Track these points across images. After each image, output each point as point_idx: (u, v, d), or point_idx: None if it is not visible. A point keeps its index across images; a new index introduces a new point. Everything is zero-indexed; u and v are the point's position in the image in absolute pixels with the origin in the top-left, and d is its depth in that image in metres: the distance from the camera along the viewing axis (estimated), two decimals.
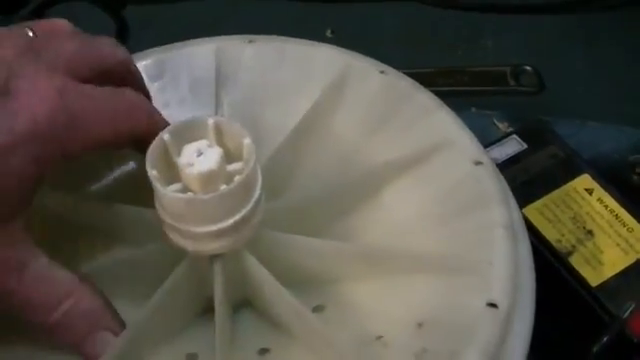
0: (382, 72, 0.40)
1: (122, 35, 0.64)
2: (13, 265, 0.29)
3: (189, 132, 0.31)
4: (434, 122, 0.37)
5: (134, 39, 0.63)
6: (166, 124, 0.32)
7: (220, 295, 0.32)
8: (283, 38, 0.42)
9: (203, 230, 0.30)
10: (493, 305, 0.31)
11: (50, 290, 0.30)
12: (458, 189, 0.35)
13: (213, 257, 0.32)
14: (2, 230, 0.29)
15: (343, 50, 0.41)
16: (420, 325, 0.31)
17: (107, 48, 0.33)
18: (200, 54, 0.42)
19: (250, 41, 0.42)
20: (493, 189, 0.34)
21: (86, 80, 0.30)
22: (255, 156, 0.30)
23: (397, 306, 0.33)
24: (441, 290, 0.32)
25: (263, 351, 0.33)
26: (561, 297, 0.41)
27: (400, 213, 0.36)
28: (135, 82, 0.34)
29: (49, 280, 0.30)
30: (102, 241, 0.37)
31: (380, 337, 0.32)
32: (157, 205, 0.31)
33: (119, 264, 0.35)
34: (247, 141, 0.30)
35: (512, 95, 0.57)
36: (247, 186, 0.30)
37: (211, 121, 0.31)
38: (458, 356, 0.29)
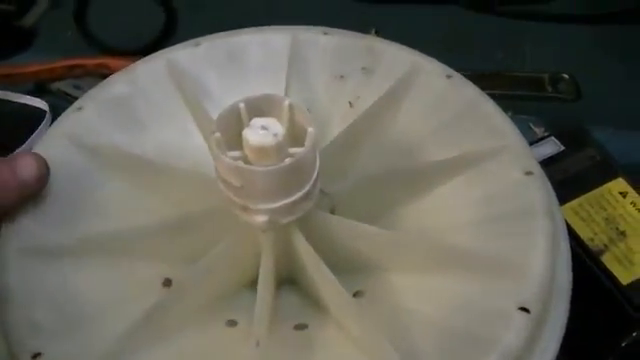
0: (449, 76, 0.41)
1: (170, 22, 0.65)
2: None
3: (262, 106, 0.32)
4: (492, 129, 0.38)
5: (183, 25, 0.65)
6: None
7: (266, 266, 0.33)
8: (354, 33, 0.44)
9: (254, 205, 0.32)
10: (525, 310, 0.31)
11: None
12: (506, 195, 0.36)
13: (264, 229, 0.33)
14: None
15: (413, 51, 0.43)
16: (451, 320, 0.32)
17: None
18: (276, 40, 0.43)
19: (325, 33, 0.43)
20: (541, 200, 0.35)
21: None
22: (314, 144, 0.31)
23: (432, 300, 0.34)
24: (476, 289, 0.33)
25: (300, 326, 0.34)
26: (592, 293, 0.42)
27: (447, 211, 0.37)
28: None
29: None
30: (154, 200, 0.38)
31: (409, 328, 0.33)
32: (215, 170, 0.32)
33: (171, 224, 0.36)
34: (311, 130, 0.31)
35: (549, 101, 0.59)
36: (300, 170, 0.32)
37: (286, 102, 0.32)
38: (481, 356, 0.30)
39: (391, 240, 0.35)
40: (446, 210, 0.37)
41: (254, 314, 0.32)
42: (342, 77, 0.42)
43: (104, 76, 0.57)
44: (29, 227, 0.34)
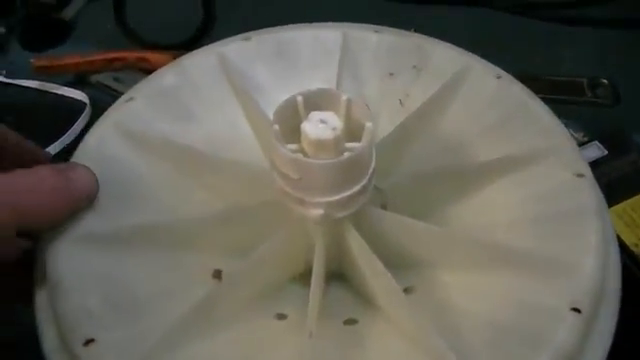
0: (498, 76, 0.41)
1: (208, 17, 0.65)
2: None
3: (320, 101, 0.32)
4: (542, 130, 0.38)
5: (221, 20, 0.65)
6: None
7: (319, 260, 0.33)
8: (406, 32, 0.44)
9: (310, 198, 0.32)
10: (577, 310, 0.31)
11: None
12: (557, 197, 0.36)
13: (318, 223, 0.33)
14: None
15: (463, 51, 0.43)
16: (502, 318, 0.32)
17: None
18: (327, 36, 0.43)
19: (376, 31, 0.44)
20: (592, 201, 0.35)
21: None
22: (372, 139, 0.32)
23: (482, 297, 0.34)
24: (527, 288, 0.33)
25: (350, 321, 0.35)
26: (636, 299, 0.42)
27: (497, 210, 0.37)
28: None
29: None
30: (204, 192, 0.38)
31: (459, 325, 0.33)
32: (271, 162, 0.32)
33: (222, 216, 0.36)
34: (369, 125, 0.31)
35: (587, 106, 0.59)
36: (358, 164, 0.32)
37: (345, 97, 0.32)
38: (532, 355, 0.30)
39: (442, 237, 0.35)
40: (496, 209, 0.37)
41: (306, 307, 0.32)
42: (392, 75, 0.42)
43: (144, 69, 0.59)
44: (80, 216, 0.34)
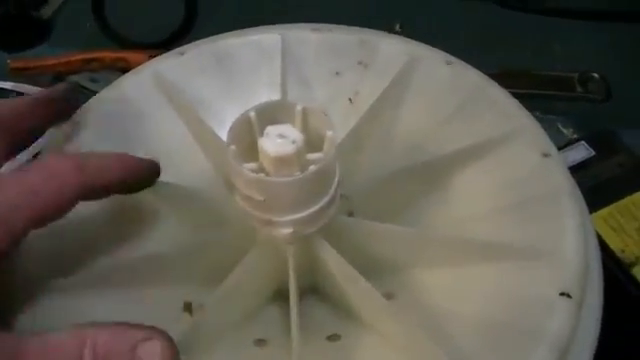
0: (449, 63, 0.40)
1: (190, 15, 0.64)
2: None
3: (275, 114, 0.31)
4: (503, 113, 0.38)
5: (202, 18, 0.64)
6: (105, 163, 0.32)
7: (294, 280, 0.32)
8: (346, 27, 0.43)
9: (277, 217, 0.31)
10: (566, 295, 0.31)
11: (64, 355, 0.27)
12: (527, 180, 0.35)
13: (286, 242, 0.32)
14: None
15: (408, 40, 0.42)
16: (491, 314, 0.32)
17: None
18: (265, 41, 0.42)
19: (314, 29, 0.42)
20: (562, 181, 0.35)
21: None
22: (335, 149, 0.31)
23: (467, 295, 0.33)
24: (512, 280, 0.32)
25: (333, 337, 0.34)
26: (622, 306, 0.41)
27: (469, 201, 0.36)
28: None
29: (56, 348, 0.27)
30: (165, 224, 0.37)
31: (448, 327, 0.32)
32: (229, 184, 0.31)
33: (187, 248, 0.35)
34: (330, 133, 0.31)
35: (578, 101, 0.58)
36: (323, 176, 0.31)
37: (299, 107, 0.31)
38: (529, 346, 0.30)
39: (416, 238, 0.35)
40: (466, 201, 0.36)
41: (285, 329, 0.32)
42: (338, 73, 0.41)
43: (122, 69, 0.57)
44: (43, 269, 0.33)
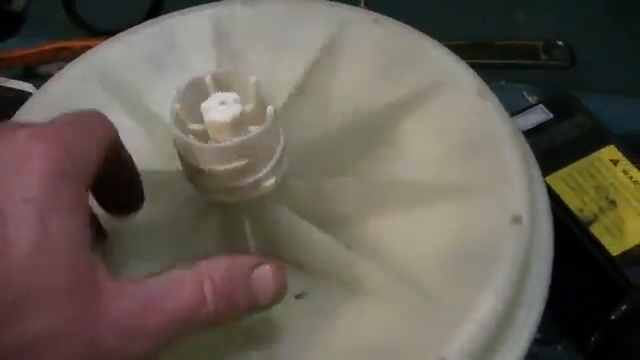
0: (375, 20, 0.41)
1: (157, 2, 0.64)
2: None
3: (195, 94, 0.32)
4: (434, 61, 0.39)
5: (169, 5, 0.64)
6: None
7: (254, 246, 0.33)
8: None
9: (233, 182, 0.32)
10: (517, 219, 0.32)
11: (183, 293, 0.27)
12: (466, 122, 0.36)
13: (242, 209, 0.33)
14: None
15: (334, 3, 0.43)
16: (448, 250, 0.33)
17: None
18: (196, 20, 0.43)
19: (243, 3, 0.43)
20: (500, 120, 0.36)
21: None
22: (272, 123, 0.31)
23: (421, 236, 0.34)
24: (463, 215, 0.34)
25: (300, 296, 0.34)
26: (581, 265, 0.41)
27: (412, 150, 0.37)
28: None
29: (174, 287, 0.27)
30: None
31: (409, 268, 0.33)
32: (186, 162, 0.32)
33: (145, 225, 0.35)
34: (253, 78, 0.32)
35: (543, 69, 0.58)
36: (261, 146, 0.31)
37: (208, 77, 0.32)
38: (490, 272, 0.31)
39: (364, 187, 0.36)
40: (409, 149, 0.37)
41: None
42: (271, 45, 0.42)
43: None
44: None
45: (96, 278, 0.25)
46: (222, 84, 0.32)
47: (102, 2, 0.67)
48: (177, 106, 0.31)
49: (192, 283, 0.27)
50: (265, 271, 0.29)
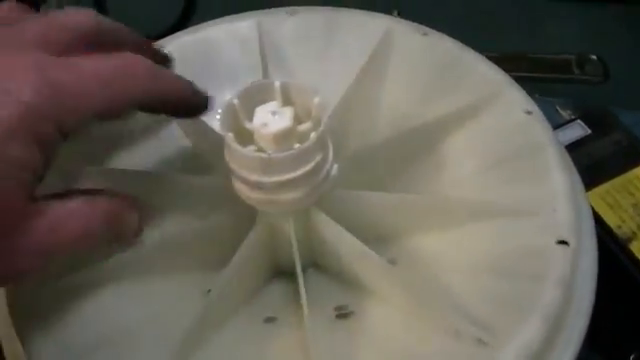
0: (424, 34, 0.41)
1: (189, 5, 0.64)
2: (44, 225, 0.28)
3: (257, 96, 0.32)
4: (481, 77, 0.39)
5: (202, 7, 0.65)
6: (174, 79, 0.32)
7: (297, 255, 0.33)
8: (321, 8, 0.44)
9: (277, 196, 0.31)
10: (564, 242, 0.32)
11: (81, 218, 0.29)
12: (512, 137, 0.36)
13: (286, 218, 0.33)
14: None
15: (382, 15, 0.43)
16: (493, 270, 0.33)
17: (68, 17, 0.31)
18: (244, 27, 0.43)
19: (291, 13, 0.43)
20: (545, 134, 0.36)
21: (62, 54, 0.29)
22: (327, 113, 0.31)
23: (467, 254, 0.34)
24: (509, 234, 0.33)
25: (340, 308, 0.34)
26: (620, 283, 0.41)
27: (458, 165, 0.37)
28: (126, 42, 0.33)
29: (75, 212, 0.29)
30: (164, 217, 0.37)
31: (453, 287, 0.33)
32: (232, 169, 0.31)
33: (186, 235, 0.35)
34: (317, 99, 0.31)
35: (576, 83, 0.58)
36: (321, 143, 0.31)
37: (277, 83, 0.32)
38: (535, 294, 0.31)
39: (411, 203, 0.36)
40: (454, 165, 0.37)
41: (292, 305, 0.33)
42: (316, 54, 0.42)
43: None
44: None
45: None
46: (287, 94, 0.32)
47: (135, 6, 0.67)
48: (230, 135, 0.30)
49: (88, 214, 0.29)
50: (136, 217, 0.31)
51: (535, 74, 0.57)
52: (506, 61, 0.57)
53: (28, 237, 0.27)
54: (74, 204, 0.29)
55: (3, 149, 0.26)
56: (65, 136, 0.28)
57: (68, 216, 0.29)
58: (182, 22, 0.65)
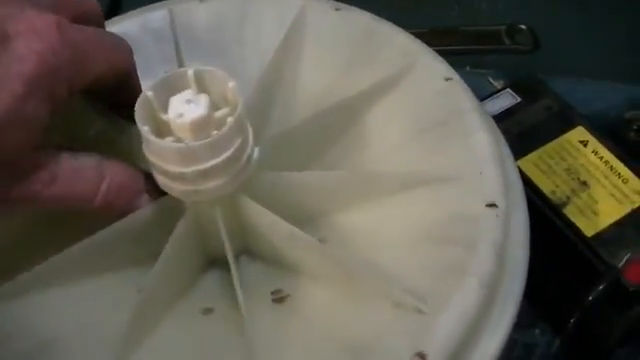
0: (337, 9, 0.41)
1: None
2: (45, 178, 0.30)
3: (171, 86, 0.31)
4: (397, 48, 0.39)
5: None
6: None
7: (228, 243, 0.33)
8: None
9: (200, 186, 0.31)
10: (493, 205, 0.32)
11: (85, 182, 0.31)
12: (434, 105, 0.36)
13: (213, 206, 0.33)
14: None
15: None
16: (426, 238, 0.33)
17: None
18: (155, 17, 0.42)
19: (202, 0, 0.43)
20: (466, 100, 0.36)
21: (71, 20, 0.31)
22: (242, 98, 0.31)
23: (399, 226, 0.34)
24: (438, 201, 0.33)
25: (276, 292, 0.34)
26: (556, 248, 0.41)
27: (382, 137, 0.37)
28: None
29: (80, 173, 0.31)
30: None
31: (383, 258, 0.33)
32: (152, 162, 0.31)
33: (110, 234, 0.34)
34: (232, 84, 0.31)
35: (507, 54, 0.58)
36: (239, 127, 0.31)
37: (190, 71, 0.31)
38: (468, 258, 0.31)
39: (336, 179, 0.35)
40: (379, 138, 0.37)
41: (227, 295, 0.32)
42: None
43: None
44: None
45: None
46: (201, 82, 0.31)
47: None
48: (146, 128, 0.30)
49: (93, 177, 0.31)
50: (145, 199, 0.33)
51: (466, 47, 0.57)
52: (437, 36, 0.58)
53: (25, 185, 0.29)
54: (84, 162, 0.31)
55: (21, 106, 0.27)
56: (72, 94, 0.30)
57: (72, 173, 0.31)
58: (108, 16, 0.63)
